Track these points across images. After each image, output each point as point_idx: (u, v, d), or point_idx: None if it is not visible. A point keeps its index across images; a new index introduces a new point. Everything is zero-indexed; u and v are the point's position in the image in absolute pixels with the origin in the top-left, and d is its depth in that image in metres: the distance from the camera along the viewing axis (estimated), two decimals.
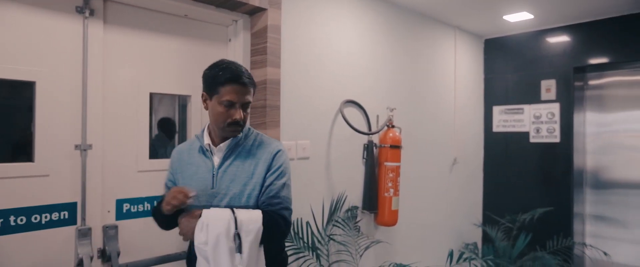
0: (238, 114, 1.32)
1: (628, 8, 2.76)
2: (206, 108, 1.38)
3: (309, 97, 2.22)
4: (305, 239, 2.14)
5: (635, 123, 2.99)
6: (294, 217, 2.13)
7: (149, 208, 1.81)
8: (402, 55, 2.79)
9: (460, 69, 3.31)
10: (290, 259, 2.09)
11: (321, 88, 2.27)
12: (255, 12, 2.06)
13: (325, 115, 2.30)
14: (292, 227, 2.12)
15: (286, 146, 2.11)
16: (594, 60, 3.00)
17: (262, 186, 1.36)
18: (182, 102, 2.00)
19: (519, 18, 2.96)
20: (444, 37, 3.16)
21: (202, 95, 1.38)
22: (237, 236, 1.25)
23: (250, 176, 1.36)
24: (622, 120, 3.04)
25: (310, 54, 2.23)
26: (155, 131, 1.97)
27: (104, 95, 1.69)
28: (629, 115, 3.02)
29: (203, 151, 1.40)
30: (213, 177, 1.36)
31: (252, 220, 1.27)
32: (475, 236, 3.52)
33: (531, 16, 2.92)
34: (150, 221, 1.80)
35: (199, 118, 1.99)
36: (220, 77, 1.30)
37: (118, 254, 1.63)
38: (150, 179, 1.82)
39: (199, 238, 1.24)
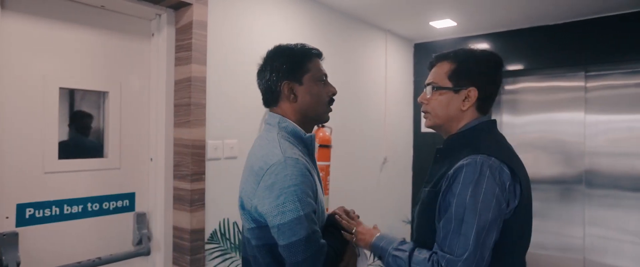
0: (333, 87, 1.21)
1: (539, 20, 3.02)
2: (295, 100, 1.14)
3: (236, 95, 2.18)
4: (232, 240, 2.10)
5: (541, 125, 3.29)
6: (220, 218, 2.10)
7: (58, 212, 1.68)
8: (334, 56, 2.83)
9: (390, 71, 3.43)
10: (217, 261, 2.06)
11: (249, 87, 2.24)
12: (180, 6, 1.99)
13: (253, 114, 2.27)
14: (218, 228, 2.09)
15: (212, 145, 2.06)
16: (510, 67, 3.25)
17: None
18: (102, 98, 1.87)
19: (443, 25, 3.13)
20: (375, 40, 3.25)
21: (284, 86, 1.14)
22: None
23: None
24: (532, 123, 3.33)
25: (237, 52, 2.19)
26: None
27: (0, 90, 1.54)
28: (537, 118, 3.31)
29: (312, 157, 1.18)
30: (320, 184, 1.17)
31: None
32: (405, 232, 3.67)
33: (454, 23, 3.10)
34: (60, 226, 1.68)
35: (117, 116, 1.88)
36: (308, 53, 1.17)
37: (17, 265, 1.49)
38: (60, 180, 1.69)
39: (365, 262, 1.19)
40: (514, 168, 0.99)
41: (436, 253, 0.99)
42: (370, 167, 3.24)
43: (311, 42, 2.66)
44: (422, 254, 1.02)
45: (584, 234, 3.11)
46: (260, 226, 1.06)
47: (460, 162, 1.01)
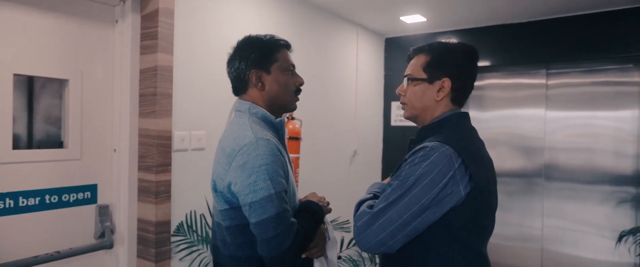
0: (301, 78, 1.26)
1: (505, 18, 3.11)
2: (262, 88, 1.19)
3: (205, 86, 2.14)
4: (199, 232, 2.08)
5: (505, 120, 3.41)
6: (187, 210, 2.07)
7: (13, 205, 1.61)
8: (305, 49, 2.82)
9: (361, 65, 3.46)
10: (183, 253, 2.03)
11: (218, 78, 2.20)
12: None
13: (222, 106, 2.24)
14: (185, 220, 2.06)
15: (179, 136, 2.02)
16: (477, 63, 3.34)
17: None
18: (62, 86, 1.80)
19: (413, 20, 3.17)
20: (346, 33, 3.26)
21: (252, 74, 1.18)
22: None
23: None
24: (497, 118, 3.44)
25: (206, 42, 2.15)
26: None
27: None
28: (501, 113, 3.43)
29: (282, 141, 1.21)
30: (291, 167, 1.21)
31: None
32: None
33: (424, 19, 3.15)
34: (15, 219, 1.61)
35: (78, 105, 1.81)
36: (277, 43, 1.22)
37: None
38: (14, 172, 1.61)
39: (335, 251, 1.21)
40: (466, 159, 1.01)
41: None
42: (340, 160, 3.27)
43: (282, 34, 2.63)
44: (364, 207, 1.10)
45: (542, 225, 3.25)
46: (233, 206, 1.10)
47: (417, 147, 1.06)
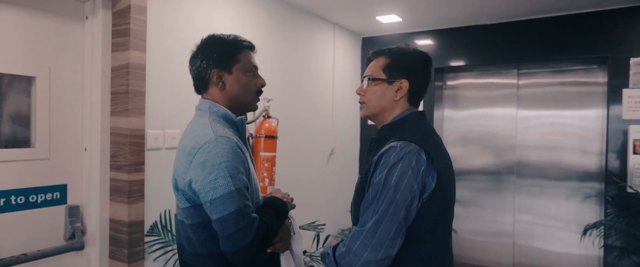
0: (262, 79, 1.27)
1: (478, 19, 3.19)
2: (223, 87, 1.20)
3: (179, 84, 2.12)
4: (174, 232, 2.05)
5: (478, 119, 3.49)
6: (161, 210, 2.04)
7: None
8: (281, 47, 2.82)
9: (338, 64, 3.48)
10: (157, 253, 2.01)
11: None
12: None
13: (196, 104, 2.22)
14: (159, 220, 2.03)
15: (152, 135, 2.00)
16: (452, 63, 3.41)
17: None
18: (30, 84, 1.75)
19: (389, 20, 3.21)
20: (323, 32, 3.28)
21: (214, 73, 1.19)
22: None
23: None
24: (470, 117, 3.52)
25: (179, 39, 2.13)
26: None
27: None
28: (475, 112, 3.51)
29: (243, 139, 1.22)
30: (253, 164, 1.23)
31: None
32: (349, 221, 3.76)
33: (400, 19, 3.19)
34: None
35: (46, 103, 1.76)
36: (240, 44, 1.22)
37: None
38: None
39: (300, 246, 1.24)
40: (431, 154, 1.07)
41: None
42: (317, 158, 3.28)
43: (258, 32, 2.64)
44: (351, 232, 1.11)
45: (514, 220, 3.35)
46: (194, 204, 1.11)
47: (384, 148, 1.10)
